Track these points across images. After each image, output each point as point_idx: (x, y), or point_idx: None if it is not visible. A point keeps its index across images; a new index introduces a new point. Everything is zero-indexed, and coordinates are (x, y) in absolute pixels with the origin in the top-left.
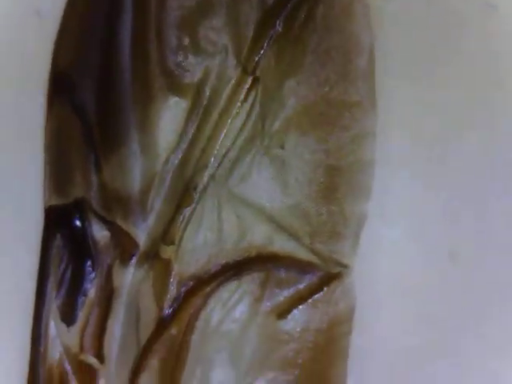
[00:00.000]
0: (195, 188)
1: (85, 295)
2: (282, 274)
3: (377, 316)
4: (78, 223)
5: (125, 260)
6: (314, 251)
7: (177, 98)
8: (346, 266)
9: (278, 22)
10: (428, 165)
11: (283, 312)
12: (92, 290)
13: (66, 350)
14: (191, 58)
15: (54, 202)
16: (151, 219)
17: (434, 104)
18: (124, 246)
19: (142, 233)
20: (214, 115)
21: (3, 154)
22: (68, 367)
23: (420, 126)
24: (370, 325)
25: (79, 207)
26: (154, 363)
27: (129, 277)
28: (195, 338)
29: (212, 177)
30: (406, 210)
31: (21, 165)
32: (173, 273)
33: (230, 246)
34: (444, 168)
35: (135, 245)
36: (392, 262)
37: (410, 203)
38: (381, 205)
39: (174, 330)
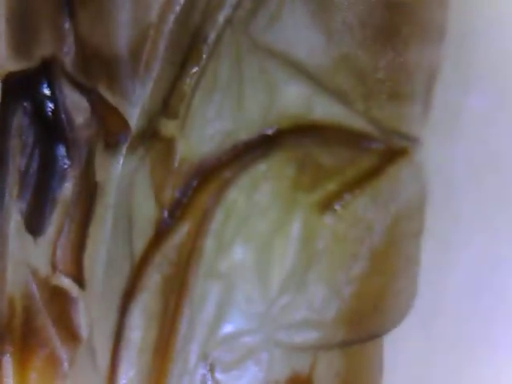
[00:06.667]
0: (205, 39)
1: (57, 193)
2: (327, 152)
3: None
4: (46, 92)
5: (111, 144)
6: (370, 119)
7: None
8: (413, 139)
9: None
10: None
11: (330, 204)
12: (67, 186)
13: (33, 272)
14: None
15: (14, 66)
16: (146, 86)
17: None
18: (109, 125)
19: (133, 107)
20: None
21: None
22: (36, 297)
23: None
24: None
25: (48, 71)
26: (154, 281)
27: (117, 167)
28: (209, 243)
29: (228, 21)
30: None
31: None
32: (177, 156)
33: (254, 115)
34: None
35: (124, 123)
36: (473, 133)
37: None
38: (462, 53)
39: (180, 235)
